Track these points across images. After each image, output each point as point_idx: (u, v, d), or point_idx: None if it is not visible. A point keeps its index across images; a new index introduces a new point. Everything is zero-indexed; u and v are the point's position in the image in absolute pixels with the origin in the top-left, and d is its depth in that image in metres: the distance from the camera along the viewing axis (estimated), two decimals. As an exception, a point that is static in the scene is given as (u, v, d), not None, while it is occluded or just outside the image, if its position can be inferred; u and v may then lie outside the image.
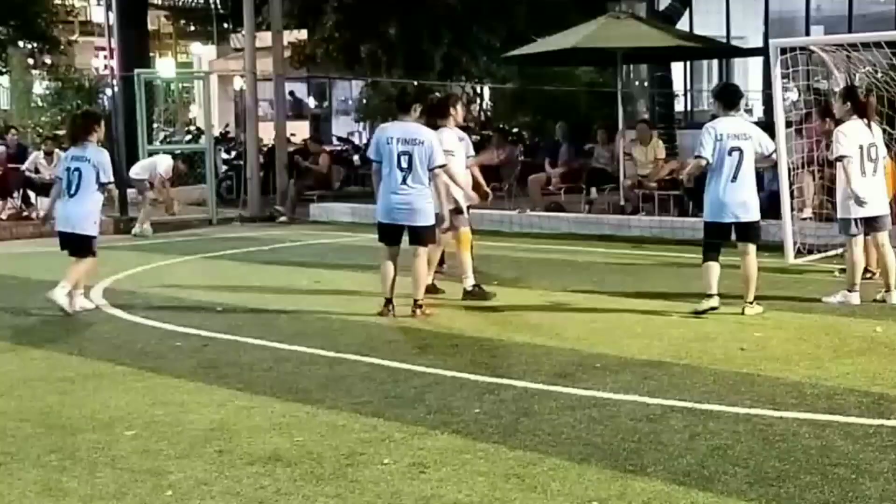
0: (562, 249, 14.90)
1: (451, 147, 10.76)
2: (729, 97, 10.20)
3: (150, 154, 19.84)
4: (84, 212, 10.65)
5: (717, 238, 9.92)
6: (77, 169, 10.60)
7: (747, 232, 9.84)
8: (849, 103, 10.38)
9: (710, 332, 8.95)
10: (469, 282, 10.96)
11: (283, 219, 20.34)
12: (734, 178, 9.66)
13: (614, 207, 17.72)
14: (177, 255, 15.31)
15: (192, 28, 43.91)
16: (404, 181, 9.84)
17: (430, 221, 10.06)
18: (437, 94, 16.49)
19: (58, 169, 11.64)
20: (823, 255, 13.15)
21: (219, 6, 37.83)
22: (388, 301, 10.10)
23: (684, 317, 9.70)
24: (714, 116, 10.29)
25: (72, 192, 10.61)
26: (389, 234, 10.12)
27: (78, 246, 10.68)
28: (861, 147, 10.11)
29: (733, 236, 9.92)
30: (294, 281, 12.52)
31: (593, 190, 18.73)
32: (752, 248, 9.81)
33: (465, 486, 5.39)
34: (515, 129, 27.85)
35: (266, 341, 9.01)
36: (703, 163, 9.75)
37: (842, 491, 5.13)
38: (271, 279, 12.59)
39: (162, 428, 6.55)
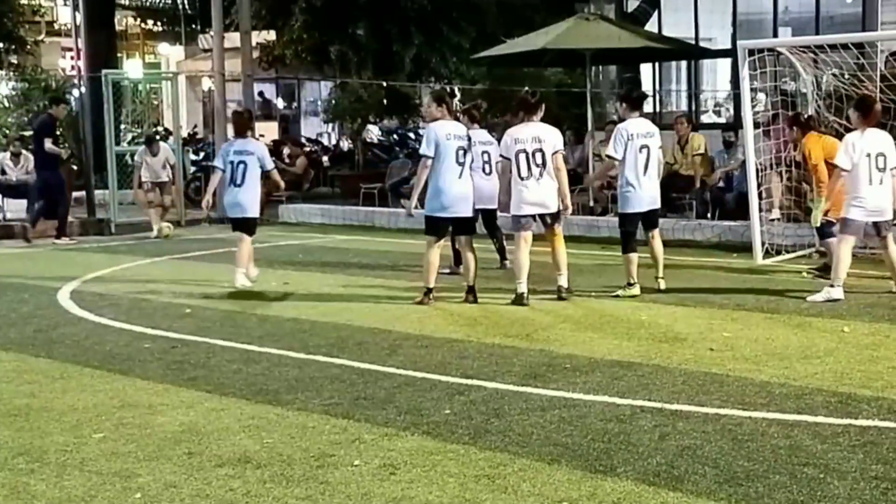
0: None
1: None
2: (637, 100, 11.39)
3: (118, 156, 19.70)
4: (252, 198, 12.06)
5: (635, 227, 11.09)
6: (242, 161, 11.88)
7: (655, 218, 11.28)
8: (858, 113, 10.53)
9: (680, 333, 8.99)
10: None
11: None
12: (645, 172, 10.90)
13: (583, 208, 17.74)
14: (145, 257, 15.23)
15: (160, 29, 43.71)
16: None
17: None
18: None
19: (217, 161, 12.48)
20: (792, 255, 13.23)
21: (187, 7, 37.69)
22: (429, 291, 10.77)
23: (654, 317, 9.74)
24: (621, 119, 11.38)
25: (238, 182, 11.93)
26: None
27: (247, 227, 12.09)
28: (869, 156, 10.27)
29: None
30: (263, 282, 12.46)
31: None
32: (657, 231, 11.26)
33: (435, 488, 5.38)
34: (484, 130, 27.84)
35: (235, 343, 8.98)
36: (616, 162, 11.01)
37: (810, 490, 5.16)
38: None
39: (130, 430, 6.51)
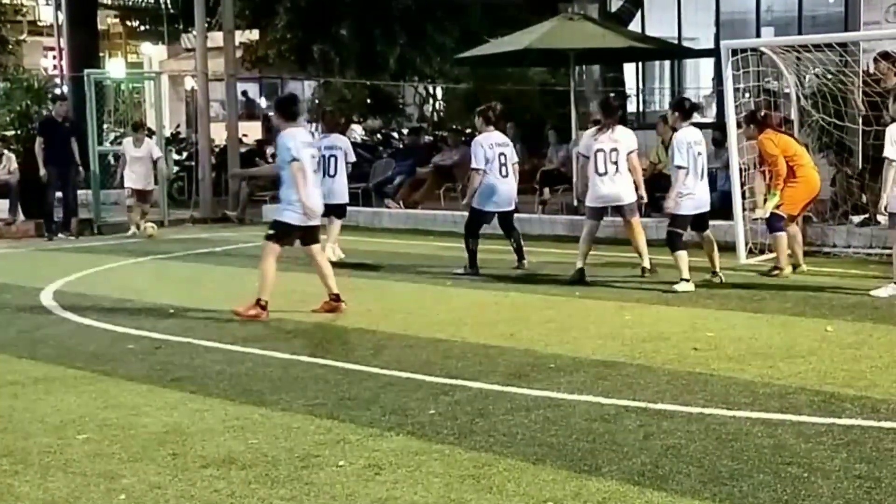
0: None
1: None
2: (690, 110, 11.81)
3: (101, 155, 19.64)
4: (343, 186, 14.11)
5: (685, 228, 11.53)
6: (332, 155, 13.79)
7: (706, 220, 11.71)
8: None
9: (664, 332, 9.00)
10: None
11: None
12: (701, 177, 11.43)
13: (567, 208, 17.75)
14: (128, 257, 15.19)
15: (143, 28, 43.52)
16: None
17: None
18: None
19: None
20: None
21: (169, 6, 37.57)
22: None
23: (638, 316, 9.76)
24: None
25: (332, 173, 13.76)
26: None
27: (340, 212, 13.98)
28: None
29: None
30: (247, 282, 12.41)
31: (546, 190, 18.79)
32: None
33: (420, 488, 5.38)
34: (469, 130, 27.84)
35: (219, 343, 8.97)
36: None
37: (794, 489, 5.17)
38: (224, 281, 12.52)
39: (114, 431, 6.49)
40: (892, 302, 10.14)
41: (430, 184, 20.34)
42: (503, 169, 12.74)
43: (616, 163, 11.85)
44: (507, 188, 12.83)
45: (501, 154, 12.75)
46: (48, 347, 9.05)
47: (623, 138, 12.02)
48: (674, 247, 11.35)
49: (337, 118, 14.91)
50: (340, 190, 14.02)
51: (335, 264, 11.80)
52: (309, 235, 10.50)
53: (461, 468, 5.66)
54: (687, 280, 11.18)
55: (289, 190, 10.19)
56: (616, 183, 11.91)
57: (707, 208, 11.62)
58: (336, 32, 25.81)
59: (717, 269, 11.58)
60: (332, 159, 13.85)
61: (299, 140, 10.25)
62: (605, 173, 11.85)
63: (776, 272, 11.94)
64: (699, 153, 11.39)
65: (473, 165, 12.59)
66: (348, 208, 14.77)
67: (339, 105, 25.29)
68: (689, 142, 11.31)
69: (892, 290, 10.45)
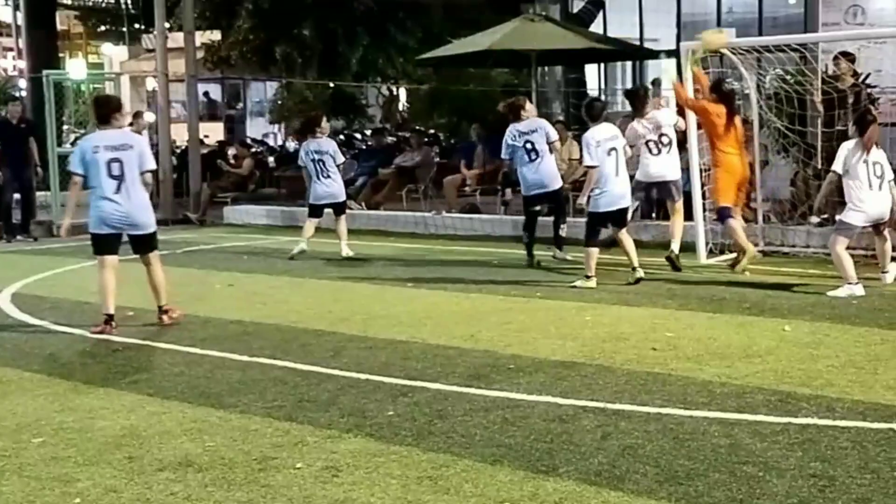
0: (477, 251, 14.94)
1: None
2: (593, 109, 12.11)
3: (60, 157, 19.49)
4: (340, 186, 14.82)
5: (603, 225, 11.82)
6: (321, 160, 14.48)
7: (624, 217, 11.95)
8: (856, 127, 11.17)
9: (623, 333, 9.03)
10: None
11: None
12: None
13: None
14: (88, 259, 14.98)
15: (103, 28, 43.26)
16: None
17: None
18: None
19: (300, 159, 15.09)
20: (735, 254, 13.29)
21: (130, 6, 37.36)
22: None
23: (598, 317, 9.78)
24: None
25: (325, 174, 14.53)
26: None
27: (340, 209, 14.73)
28: (866, 162, 10.85)
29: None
30: (207, 284, 12.41)
31: (509, 191, 18.79)
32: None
33: (377, 489, 5.38)
34: (432, 131, 27.88)
35: (178, 346, 8.92)
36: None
37: (749, 488, 5.20)
38: (184, 282, 12.41)
39: (70, 435, 6.45)
40: (850, 301, 10.22)
41: (393, 185, 20.32)
42: (531, 155, 13.13)
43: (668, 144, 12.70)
44: (533, 174, 13.33)
45: (528, 142, 13.14)
46: (4, 350, 8.97)
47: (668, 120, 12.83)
48: (586, 242, 11.63)
49: (318, 119, 15.16)
50: (339, 190, 14.84)
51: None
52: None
53: (419, 469, 5.65)
54: (589, 277, 11.39)
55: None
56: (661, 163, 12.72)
57: (625, 205, 11.78)
58: (298, 33, 25.74)
59: (636, 265, 11.59)
60: (321, 164, 14.55)
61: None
62: (658, 154, 12.64)
63: (740, 258, 12.15)
64: (611, 149, 11.55)
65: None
66: (306, 209, 14.95)
67: (300, 106, 25.19)
68: (598, 140, 11.52)
69: (849, 290, 10.55)
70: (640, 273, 11.52)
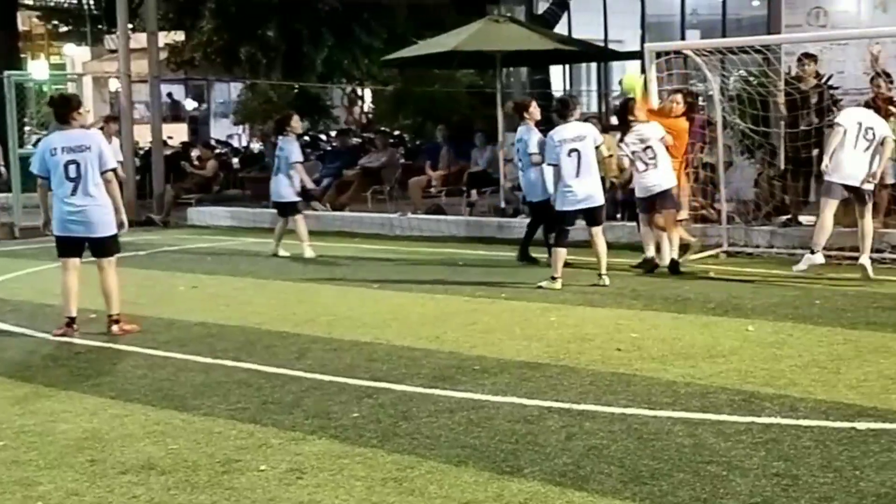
0: (442, 252, 14.93)
1: None
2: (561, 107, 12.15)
3: (22, 158, 19.32)
4: (286, 187, 14.83)
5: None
6: (277, 157, 14.96)
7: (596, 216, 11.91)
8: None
9: (588, 333, 9.04)
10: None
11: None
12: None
13: (495, 210, 17.79)
14: (49, 261, 14.88)
15: (65, 29, 42.90)
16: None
17: None
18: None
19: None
20: (700, 255, 13.36)
21: (92, 7, 37.09)
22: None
23: (563, 318, 9.79)
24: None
25: (275, 172, 14.96)
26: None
27: (282, 210, 15.02)
28: (859, 124, 11.39)
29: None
30: (171, 286, 12.34)
31: (474, 192, 18.83)
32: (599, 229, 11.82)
33: (342, 492, 5.36)
34: (397, 132, 27.84)
35: (141, 348, 8.86)
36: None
37: (713, 488, 5.22)
38: (147, 284, 12.36)
39: (32, 438, 6.39)
40: (813, 301, 10.27)
41: (358, 186, 20.29)
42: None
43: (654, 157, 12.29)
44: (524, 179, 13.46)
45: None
46: (-35, 353, 8.89)
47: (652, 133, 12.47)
48: (554, 242, 11.76)
49: (286, 120, 15.33)
50: (284, 187, 14.87)
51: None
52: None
53: (383, 471, 5.64)
54: (555, 278, 11.38)
55: None
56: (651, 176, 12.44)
57: (592, 203, 11.61)
58: (262, 34, 25.65)
59: (602, 271, 11.54)
60: (277, 161, 14.98)
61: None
62: (646, 169, 12.30)
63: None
64: (573, 150, 11.48)
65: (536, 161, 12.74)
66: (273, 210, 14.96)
67: (264, 107, 25.10)
68: (558, 139, 11.56)
69: (808, 261, 11.07)
70: (605, 281, 11.46)
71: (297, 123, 15.45)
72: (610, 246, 12.22)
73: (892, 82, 13.53)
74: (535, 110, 13.21)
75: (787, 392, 6.94)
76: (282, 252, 14.75)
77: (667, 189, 12.30)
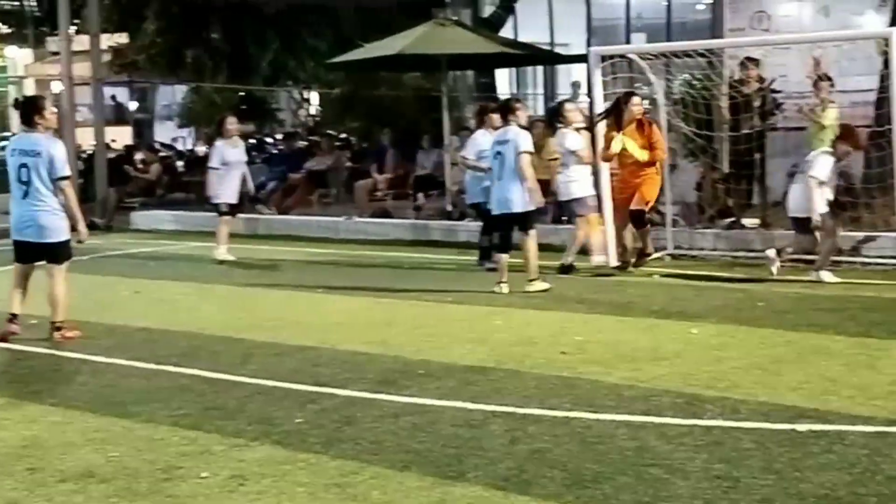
0: (389, 255, 14.91)
1: None
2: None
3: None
4: (215, 186, 14.76)
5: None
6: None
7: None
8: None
9: (533, 337, 9.05)
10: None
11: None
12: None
13: (441, 213, 17.79)
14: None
15: (7, 31, 42.43)
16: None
17: None
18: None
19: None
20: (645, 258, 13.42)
21: (34, 8, 36.70)
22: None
23: (508, 321, 9.80)
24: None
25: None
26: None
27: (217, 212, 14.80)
28: None
29: None
30: (114, 291, 12.21)
31: (420, 196, 18.82)
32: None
33: (284, 498, 5.33)
34: (344, 135, 27.75)
35: (82, 354, 8.76)
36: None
37: (655, 491, 5.23)
38: (90, 290, 12.20)
39: (-31, 447, 6.30)
40: (756, 304, 10.36)
41: (304, 189, 20.22)
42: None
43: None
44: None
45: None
46: None
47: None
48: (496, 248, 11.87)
49: (220, 123, 15.34)
50: (211, 190, 14.84)
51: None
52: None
53: (327, 477, 5.61)
54: (502, 283, 11.30)
55: None
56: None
57: (513, 210, 11.31)
58: (207, 37, 25.50)
59: (530, 277, 11.35)
60: (239, 164, 14.88)
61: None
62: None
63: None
64: (497, 153, 11.47)
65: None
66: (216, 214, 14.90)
67: (209, 110, 24.97)
68: (491, 142, 11.71)
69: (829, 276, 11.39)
70: (531, 288, 11.23)
71: (231, 126, 15.18)
72: (554, 249, 12.27)
73: (832, 86, 13.72)
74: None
75: (729, 394, 6.98)
76: (228, 256, 14.60)
77: (578, 197, 12.45)
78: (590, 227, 12.72)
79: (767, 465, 5.55)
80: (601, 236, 12.90)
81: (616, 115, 12.48)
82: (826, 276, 11.40)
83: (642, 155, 12.22)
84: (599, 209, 12.90)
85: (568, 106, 12.90)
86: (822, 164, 11.41)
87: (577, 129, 12.80)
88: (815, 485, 5.23)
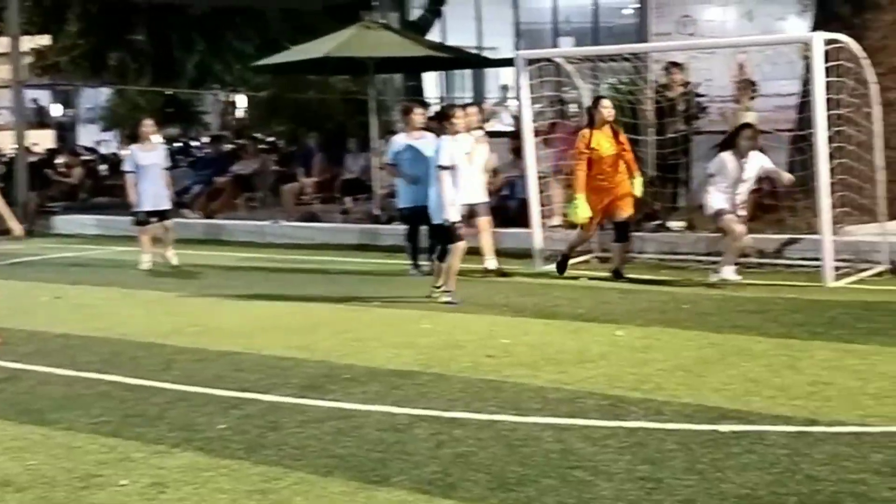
0: (315, 259, 14.83)
1: None
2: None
3: None
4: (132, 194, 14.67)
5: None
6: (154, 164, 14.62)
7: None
8: None
9: (460, 341, 9.03)
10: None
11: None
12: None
13: (369, 217, 17.73)
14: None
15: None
16: None
17: None
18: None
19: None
20: (571, 261, 13.46)
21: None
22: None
23: (435, 325, 9.77)
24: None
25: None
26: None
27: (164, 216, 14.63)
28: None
29: None
30: (33, 297, 12.00)
31: (348, 199, 18.74)
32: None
33: (205, 505, 5.25)
34: (271, 138, 27.60)
35: (0, 361, 8.58)
36: None
37: (579, 493, 5.22)
38: (8, 295, 12.03)
39: None
40: (680, 306, 10.42)
41: (229, 193, 20.06)
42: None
43: None
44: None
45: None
46: None
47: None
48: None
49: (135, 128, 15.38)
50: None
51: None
52: None
53: (249, 483, 5.53)
54: (440, 289, 11.05)
55: None
56: None
57: (435, 220, 11.09)
58: (131, 39, 25.23)
59: (437, 284, 11.11)
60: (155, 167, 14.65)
61: None
62: None
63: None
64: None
65: None
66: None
67: (132, 113, 24.68)
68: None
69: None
70: (440, 297, 10.94)
71: (145, 129, 14.93)
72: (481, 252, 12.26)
73: (755, 90, 13.89)
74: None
75: (653, 396, 7.01)
76: (147, 266, 14.36)
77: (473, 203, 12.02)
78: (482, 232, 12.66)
79: (690, 465, 5.57)
80: (491, 240, 12.80)
81: (590, 118, 12.35)
82: (726, 272, 11.46)
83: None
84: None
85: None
86: (716, 160, 11.53)
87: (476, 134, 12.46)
88: (736, 485, 5.25)
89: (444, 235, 11.02)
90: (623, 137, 12.26)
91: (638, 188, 12.20)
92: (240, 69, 26.99)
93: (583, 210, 11.90)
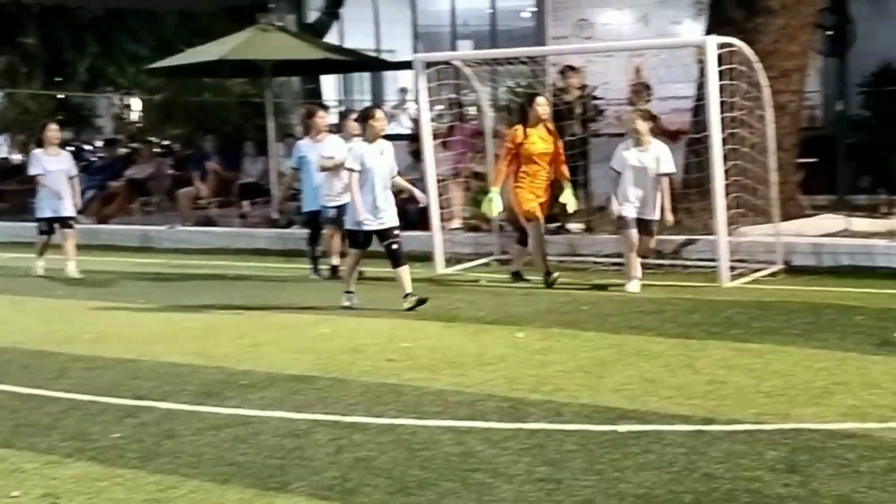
0: (213, 265, 14.64)
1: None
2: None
3: None
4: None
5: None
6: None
7: None
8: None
9: (360, 345, 8.98)
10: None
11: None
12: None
13: (267, 221, 17.56)
14: None
15: None
16: None
17: None
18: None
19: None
20: (471, 264, 13.51)
21: None
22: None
23: (335, 329, 9.71)
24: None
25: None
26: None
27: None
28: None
29: None
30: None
31: (245, 203, 18.56)
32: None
33: (99, 517, 5.14)
34: (167, 142, 27.19)
35: None
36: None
37: (479, 495, 5.21)
38: None
39: None
40: (580, 308, 10.49)
41: (124, 197, 19.74)
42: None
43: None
44: None
45: None
46: None
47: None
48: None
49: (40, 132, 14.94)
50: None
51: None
52: None
53: (144, 492, 5.43)
54: (349, 292, 10.95)
55: None
56: None
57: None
58: (21, 41, 24.71)
59: (349, 287, 10.97)
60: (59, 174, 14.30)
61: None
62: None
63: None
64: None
65: None
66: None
67: (22, 117, 24.16)
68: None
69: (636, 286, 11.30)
70: (346, 301, 10.85)
71: (49, 133, 14.62)
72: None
73: (651, 94, 14.05)
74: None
75: (553, 397, 7.03)
76: (40, 271, 14.14)
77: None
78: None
79: (589, 466, 5.59)
80: (338, 242, 12.65)
81: (522, 115, 12.27)
82: (630, 287, 11.40)
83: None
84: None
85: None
86: (616, 155, 11.60)
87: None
88: (634, 484, 5.28)
89: (351, 238, 11.10)
90: (560, 143, 12.26)
91: (569, 197, 12.22)
92: (134, 72, 26.58)
93: (497, 204, 11.98)
